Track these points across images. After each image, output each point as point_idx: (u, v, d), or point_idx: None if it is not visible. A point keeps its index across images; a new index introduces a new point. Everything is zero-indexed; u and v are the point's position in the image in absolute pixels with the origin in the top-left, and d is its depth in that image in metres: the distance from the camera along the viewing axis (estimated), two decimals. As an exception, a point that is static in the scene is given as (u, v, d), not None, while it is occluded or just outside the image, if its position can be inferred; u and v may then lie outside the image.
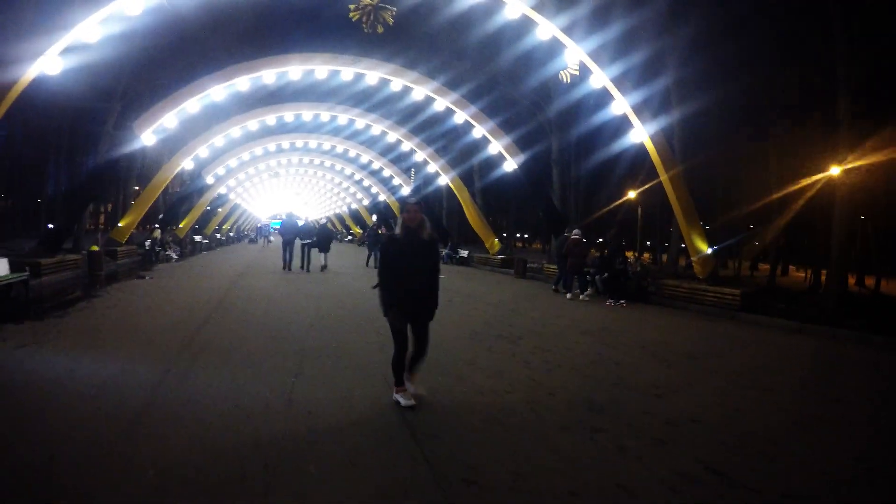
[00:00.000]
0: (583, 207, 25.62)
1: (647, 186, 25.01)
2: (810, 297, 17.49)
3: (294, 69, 16.08)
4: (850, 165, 14.00)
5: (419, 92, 17.98)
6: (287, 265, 15.41)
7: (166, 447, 3.20)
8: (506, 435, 3.63)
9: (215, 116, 20.64)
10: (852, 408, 4.67)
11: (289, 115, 22.00)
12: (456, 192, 24.21)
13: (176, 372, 4.75)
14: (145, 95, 17.56)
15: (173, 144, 20.71)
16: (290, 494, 2.73)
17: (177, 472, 2.88)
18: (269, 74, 16.08)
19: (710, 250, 12.68)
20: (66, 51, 9.80)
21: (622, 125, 15.90)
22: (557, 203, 21.12)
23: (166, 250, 19.93)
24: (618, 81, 12.73)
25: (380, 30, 13.61)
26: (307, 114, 21.91)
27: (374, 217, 35.19)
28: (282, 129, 25.07)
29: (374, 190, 33.76)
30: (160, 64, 18.50)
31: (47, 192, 30.54)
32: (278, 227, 24.88)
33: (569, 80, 13.88)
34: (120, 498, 2.64)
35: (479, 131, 19.05)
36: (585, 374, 5.33)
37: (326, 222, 20.01)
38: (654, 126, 12.78)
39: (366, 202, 39.65)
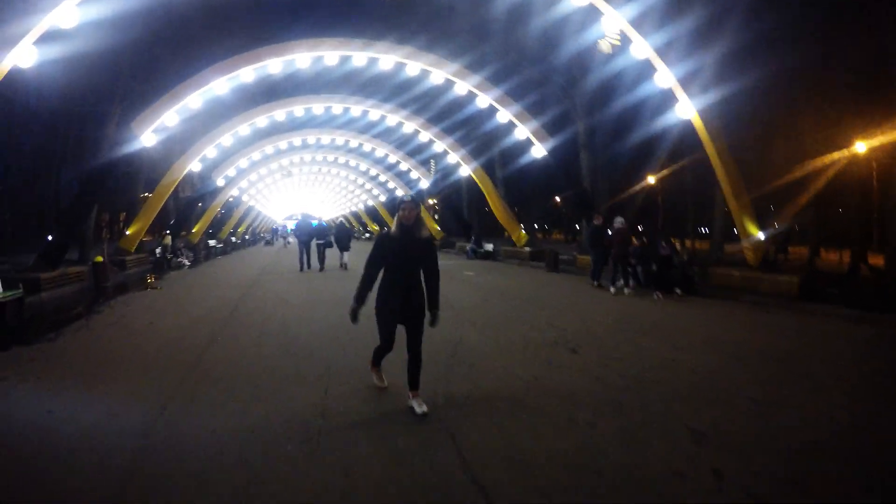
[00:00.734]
0: (613, 191, 23.91)
1: (681, 165, 23.21)
2: (869, 282, 15.67)
3: (302, 56, 14.84)
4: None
5: (437, 76, 16.62)
6: (304, 266, 15.34)
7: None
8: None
9: (221, 114, 19.69)
10: None
11: (298, 110, 20.86)
12: (479, 182, 22.83)
13: (172, 409, 3.94)
14: (146, 94, 16.49)
15: (179, 146, 19.70)
16: None
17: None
18: (274, 63, 14.85)
19: (761, 234, 11.66)
20: (47, 40, 8.72)
21: (662, 102, 14.38)
22: (588, 187, 19.58)
23: (178, 257, 19.04)
24: (662, 52, 11.34)
25: None
26: (318, 107, 20.63)
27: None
28: (292, 124, 24.00)
29: (391, 185, 32.57)
30: (159, 58, 17.45)
31: (49, 202, 29.67)
32: (294, 228, 24.01)
33: (610, 51, 12.36)
34: None
35: (503, 116, 17.58)
36: (673, 390, 4.40)
37: (343, 221, 19.01)
38: (702, 101, 11.38)
39: (382, 198, 38.48)
